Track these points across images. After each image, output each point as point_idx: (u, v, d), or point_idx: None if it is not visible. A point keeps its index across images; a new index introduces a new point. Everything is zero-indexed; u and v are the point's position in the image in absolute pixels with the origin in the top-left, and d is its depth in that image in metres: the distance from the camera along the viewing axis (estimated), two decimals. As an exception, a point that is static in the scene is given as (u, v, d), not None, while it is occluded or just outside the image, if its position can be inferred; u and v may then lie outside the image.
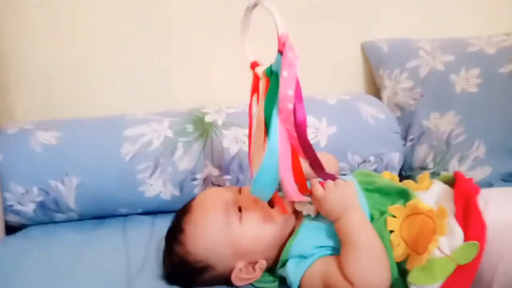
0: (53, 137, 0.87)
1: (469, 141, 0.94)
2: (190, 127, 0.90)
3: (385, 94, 1.05)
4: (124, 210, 0.90)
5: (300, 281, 0.64)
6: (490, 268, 0.58)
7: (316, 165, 0.60)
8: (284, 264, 0.68)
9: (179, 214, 0.72)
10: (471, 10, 1.12)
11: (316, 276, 0.64)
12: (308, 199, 0.67)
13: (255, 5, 0.62)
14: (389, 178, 0.77)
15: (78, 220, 0.89)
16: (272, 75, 0.58)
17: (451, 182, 0.69)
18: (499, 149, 0.93)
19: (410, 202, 0.63)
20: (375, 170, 0.93)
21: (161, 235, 0.74)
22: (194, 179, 0.88)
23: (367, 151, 0.92)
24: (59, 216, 0.88)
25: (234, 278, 0.68)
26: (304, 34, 1.04)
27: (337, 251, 0.64)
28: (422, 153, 0.97)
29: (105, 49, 1.03)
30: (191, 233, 0.68)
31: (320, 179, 0.66)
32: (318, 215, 0.68)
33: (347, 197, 0.65)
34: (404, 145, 0.99)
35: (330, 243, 0.66)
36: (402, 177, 0.87)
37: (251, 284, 0.69)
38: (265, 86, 0.61)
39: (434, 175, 0.93)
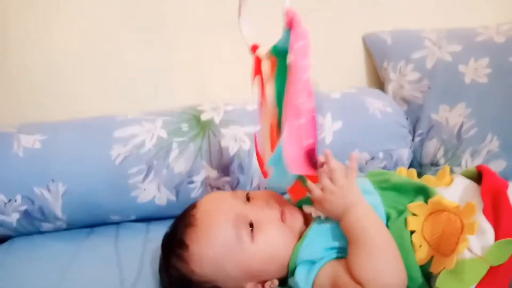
0: (37, 140, 0.81)
1: (481, 134, 0.90)
2: (185, 126, 0.84)
3: (390, 87, 1.00)
4: (115, 218, 0.84)
5: None
6: None
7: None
8: (293, 274, 0.62)
9: (181, 225, 0.65)
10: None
11: (326, 281, 0.58)
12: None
13: None
14: (406, 174, 0.71)
15: (67, 229, 0.83)
16: (279, 54, 0.54)
17: (474, 177, 0.64)
18: (514, 142, 0.89)
19: (433, 199, 0.57)
20: (385, 167, 0.89)
21: (156, 244, 0.69)
22: (191, 182, 0.82)
23: (375, 147, 0.87)
24: (46, 226, 0.82)
25: None
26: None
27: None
28: (432, 148, 0.93)
29: (93, 48, 0.98)
30: (196, 251, 0.62)
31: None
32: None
33: (348, 193, 0.59)
34: (413, 140, 0.94)
35: (341, 244, 0.60)
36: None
37: None
38: (271, 67, 0.57)
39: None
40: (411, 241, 0.57)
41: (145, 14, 0.97)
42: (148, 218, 0.85)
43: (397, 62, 1.00)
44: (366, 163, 0.87)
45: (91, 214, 0.82)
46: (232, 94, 0.96)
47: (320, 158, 0.61)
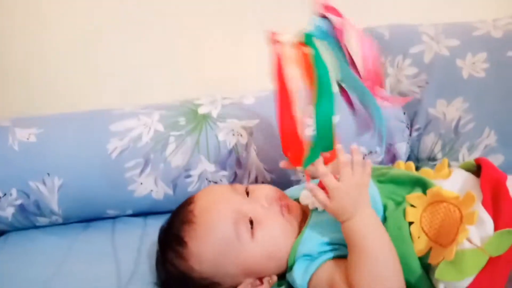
0: (32, 134, 0.81)
1: (479, 128, 0.89)
2: (182, 120, 0.83)
3: (388, 82, 0.99)
4: (112, 212, 0.83)
5: (308, 286, 0.58)
6: None
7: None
8: (291, 269, 0.61)
9: (178, 221, 0.64)
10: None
11: (323, 282, 0.58)
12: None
13: None
14: (404, 167, 0.71)
15: (63, 224, 0.82)
16: (311, 41, 0.55)
17: (473, 169, 0.63)
18: (511, 136, 0.89)
19: (432, 189, 0.57)
20: (382, 162, 0.88)
21: (153, 239, 0.68)
22: (188, 176, 0.82)
23: (373, 142, 0.87)
24: (41, 220, 0.81)
25: None
26: (301, 23, 1.00)
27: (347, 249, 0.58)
28: (430, 143, 0.92)
29: (87, 42, 0.97)
30: (195, 249, 0.61)
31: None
32: None
33: (359, 197, 0.56)
34: (410, 135, 0.94)
35: (339, 237, 0.59)
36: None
37: None
38: (302, 54, 0.57)
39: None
40: (410, 232, 0.57)
41: (140, 7, 0.97)
42: (145, 213, 0.84)
43: (394, 57, 0.99)
44: (363, 158, 0.87)
45: (87, 208, 0.81)
46: (230, 87, 0.96)
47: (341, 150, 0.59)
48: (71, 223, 0.83)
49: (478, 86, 0.91)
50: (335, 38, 0.54)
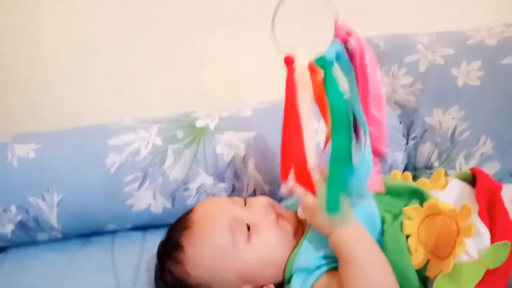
0: (31, 150, 0.81)
1: (475, 136, 0.90)
2: (180, 133, 0.84)
3: (384, 91, 1.00)
4: (111, 226, 0.83)
5: None
6: None
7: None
8: (289, 282, 0.61)
9: (177, 228, 0.65)
10: (469, 3, 1.09)
11: None
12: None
13: None
14: (401, 177, 0.71)
15: (62, 239, 0.82)
16: (326, 65, 0.53)
17: (469, 179, 0.64)
18: (507, 144, 0.89)
19: (429, 202, 0.58)
20: (379, 171, 0.88)
21: (153, 253, 0.68)
22: (187, 189, 0.82)
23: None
24: (41, 236, 0.81)
25: None
26: (296, 33, 1.00)
27: None
28: (426, 151, 0.93)
29: (85, 56, 0.98)
30: (191, 252, 0.62)
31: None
32: None
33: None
34: (407, 144, 0.94)
35: None
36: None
37: None
38: (314, 78, 0.56)
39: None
40: (407, 245, 0.57)
41: (137, 21, 0.97)
42: (144, 227, 0.84)
43: (390, 66, 1.00)
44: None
45: (86, 223, 0.81)
46: (228, 96, 0.97)
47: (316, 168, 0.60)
48: (71, 238, 0.83)
49: (474, 94, 0.92)
50: (350, 63, 0.53)
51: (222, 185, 0.83)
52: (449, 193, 0.62)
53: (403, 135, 0.93)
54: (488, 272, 0.52)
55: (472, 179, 0.65)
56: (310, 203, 0.58)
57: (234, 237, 0.61)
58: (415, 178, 0.88)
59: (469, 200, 0.59)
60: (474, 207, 0.57)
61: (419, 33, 1.03)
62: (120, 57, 0.99)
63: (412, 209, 0.59)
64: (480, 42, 0.96)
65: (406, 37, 1.03)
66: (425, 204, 0.58)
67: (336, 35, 0.52)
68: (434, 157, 0.92)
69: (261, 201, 0.68)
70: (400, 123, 0.94)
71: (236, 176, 0.83)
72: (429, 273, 0.55)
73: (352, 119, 0.53)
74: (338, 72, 0.53)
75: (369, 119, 0.52)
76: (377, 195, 0.64)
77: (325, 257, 0.60)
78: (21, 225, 0.79)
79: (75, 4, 0.95)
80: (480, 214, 0.56)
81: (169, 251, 0.64)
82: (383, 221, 0.60)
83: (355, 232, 0.57)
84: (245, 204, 0.67)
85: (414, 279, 0.56)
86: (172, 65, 1.01)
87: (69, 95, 1.00)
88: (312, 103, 0.61)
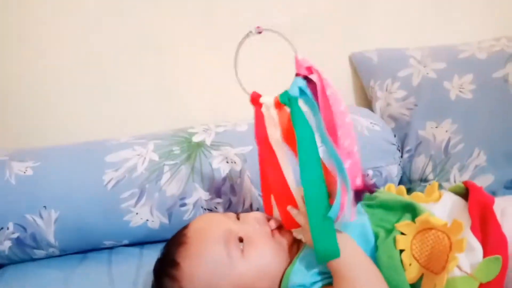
0: (29, 167, 0.81)
1: (468, 149, 0.91)
2: (176, 149, 0.85)
3: (378, 105, 1.02)
4: (108, 243, 0.83)
5: None
6: None
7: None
8: None
9: (172, 245, 0.66)
10: (458, 17, 1.10)
11: None
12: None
13: (259, 32, 0.57)
14: (395, 191, 0.72)
15: (59, 256, 0.83)
16: (291, 101, 0.54)
17: (462, 192, 0.65)
18: (500, 156, 0.90)
19: (421, 217, 0.58)
20: (374, 184, 0.89)
21: (150, 269, 0.69)
22: (184, 205, 0.82)
23: (364, 165, 0.88)
24: (39, 253, 0.81)
25: None
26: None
27: None
28: (421, 164, 0.94)
29: (84, 73, 0.99)
30: (187, 268, 0.62)
31: None
32: None
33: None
34: (401, 157, 0.95)
35: None
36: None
37: None
38: (281, 114, 0.58)
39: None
40: (401, 260, 0.57)
41: (135, 40, 0.98)
42: (141, 242, 0.84)
43: (383, 81, 1.01)
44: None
45: (84, 240, 0.82)
46: (221, 115, 0.98)
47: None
48: (68, 254, 0.83)
49: (466, 107, 0.94)
50: (314, 98, 0.53)
51: (218, 200, 0.84)
52: (443, 207, 0.63)
53: (398, 148, 0.94)
54: (481, 286, 0.52)
55: (465, 192, 0.65)
56: (301, 222, 0.59)
57: (228, 251, 0.61)
58: (409, 191, 0.89)
59: (462, 214, 0.59)
60: (467, 221, 0.57)
61: (411, 48, 1.05)
62: (117, 75, 1.00)
63: (404, 225, 0.59)
64: (471, 56, 0.98)
65: (398, 52, 1.04)
66: (417, 219, 0.59)
67: (297, 71, 0.53)
68: (429, 169, 0.93)
69: (255, 215, 0.69)
70: (394, 136, 0.95)
71: (233, 190, 0.84)
72: (424, 287, 0.55)
73: (319, 153, 0.54)
74: (304, 107, 0.54)
75: (340, 151, 0.53)
76: (369, 207, 0.65)
77: (320, 273, 0.60)
78: (19, 242, 0.79)
79: (75, 22, 0.95)
80: (472, 229, 0.57)
81: (165, 268, 0.64)
82: (376, 237, 0.61)
83: (350, 249, 0.58)
84: (239, 219, 0.68)
85: (408, 293, 0.57)
86: (167, 82, 1.02)
87: (67, 112, 1.00)
88: (281, 139, 0.62)
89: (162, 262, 0.66)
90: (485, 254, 0.54)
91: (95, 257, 0.82)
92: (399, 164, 0.93)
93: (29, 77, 0.97)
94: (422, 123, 0.95)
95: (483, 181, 0.90)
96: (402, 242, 0.58)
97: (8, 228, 0.78)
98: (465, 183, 0.66)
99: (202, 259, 0.62)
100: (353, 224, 0.57)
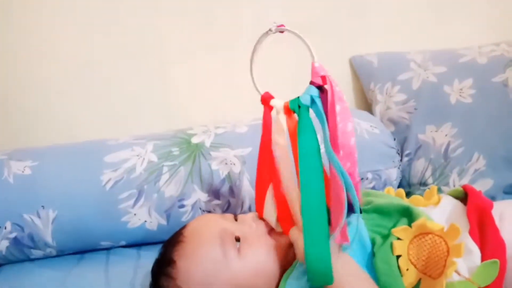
0: (27, 167, 0.81)
1: (468, 153, 0.91)
2: (175, 150, 0.84)
3: (378, 109, 1.02)
4: (106, 243, 0.83)
5: None
6: None
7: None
8: None
9: (168, 245, 0.66)
10: (459, 22, 1.10)
11: None
12: None
13: (281, 31, 0.55)
14: (394, 194, 0.72)
15: (56, 256, 0.82)
16: (301, 109, 0.52)
17: (461, 196, 0.64)
18: (500, 160, 0.90)
19: (417, 222, 0.58)
20: (373, 188, 0.89)
21: (147, 270, 0.68)
22: (182, 206, 0.82)
23: (364, 168, 0.88)
24: (36, 253, 0.81)
25: None
26: (291, 51, 1.02)
27: None
28: (420, 168, 0.94)
29: (83, 73, 0.99)
30: (183, 266, 0.61)
31: None
32: None
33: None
34: (401, 160, 0.95)
35: None
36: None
37: None
38: (292, 122, 0.56)
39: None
40: (398, 266, 0.57)
41: (133, 41, 0.98)
42: (139, 243, 0.84)
43: (383, 84, 1.01)
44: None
45: (81, 240, 0.81)
46: (221, 116, 0.97)
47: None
48: (65, 255, 0.83)
49: (466, 112, 0.94)
50: (323, 110, 0.51)
51: (217, 201, 0.83)
52: (442, 211, 0.63)
53: (397, 152, 0.94)
54: (479, 290, 0.52)
55: (464, 196, 0.65)
56: (294, 237, 0.60)
57: (224, 249, 0.61)
58: (409, 194, 0.89)
59: (461, 218, 0.59)
60: (465, 226, 0.57)
61: (412, 51, 1.05)
62: (116, 75, 1.00)
63: (400, 230, 0.59)
64: (472, 61, 0.98)
65: (399, 55, 1.04)
66: (413, 224, 0.58)
67: (312, 79, 0.51)
68: (428, 173, 0.93)
69: (252, 215, 0.69)
70: (394, 139, 0.95)
71: (232, 192, 0.84)
72: (421, 293, 0.55)
73: (322, 167, 0.51)
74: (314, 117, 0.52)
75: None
76: (366, 214, 0.65)
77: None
78: (16, 242, 0.79)
79: (74, 22, 0.96)
80: (471, 233, 0.56)
81: (162, 267, 0.64)
82: (373, 243, 0.61)
83: (345, 262, 0.57)
84: (236, 220, 0.68)
85: (406, 299, 0.56)
86: (167, 83, 1.02)
87: (66, 111, 1.00)
88: (286, 145, 0.59)
89: (159, 261, 0.66)
90: (483, 258, 0.54)
91: (92, 257, 0.82)
92: (399, 168, 0.93)
93: (28, 77, 0.97)
94: (421, 127, 0.95)
95: (482, 185, 0.90)
96: (399, 247, 0.58)
97: (5, 228, 0.78)
98: (464, 187, 0.66)
99: (198, 257, 0.61)
100: (350, 231, 0.56)
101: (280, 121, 0.57)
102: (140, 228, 0.82)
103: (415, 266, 0.56)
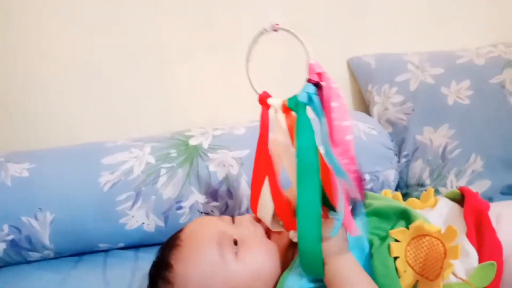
0: (25, 169, 0.81)
1: (465, 154, 0.91)
2: (173, 152, 0.84)
3: (375, 110, 1.02)
4: (104, 245, 0.83)
5: None
6: None
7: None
8: None
9: (166, 248, 0.66)
10: (456, 23, 1.10)
11: None
12: None
13: (275, 30, 0.55)
14: (391, 197, 0.72)
15: (55, 258, 0.82)
16: (298, 107, 0.52)
17: (458, 198, 0.65)
18: (497, 161, 0.91)
19: (414, 224, 0.58)
20: (371, 189, 0.89)
21: (145, 272, 0.68)
22: (180, 208, 0.82)
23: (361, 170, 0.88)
24: (33, 255, 0.81)
25: None
26: (289, 52, 1.02)
27: None
28: (418, 169, 0.94)
29: (82, 75, 0.98)
30: (180, 270, 0.61)
31: None
32: None
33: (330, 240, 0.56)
34: (398, 161, 0.95)
35: None
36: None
37: None
38: (290, 120, 0.55)
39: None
40: (396, 267, 0.57)
41: (133, 41, 0.98)
42: (136, 245, 0.84)
43: (381, 85, 1.01)
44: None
45: (79, 243, 0.81)
46: (219, 117, 0.97)
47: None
48: (63, 257, 0.82)
49: (463, 113, 0.94)
50: (322, 107, 0.51)
51: (215, 203, 0.83)
52: (438, 213, 0.63)
53: (395, 153, 0.94)
54: (476, 291, 0.52)
55: (461, 198, 0.65)
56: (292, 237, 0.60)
57: (222, 252, 0.61)
58: (406, 196, 0.89)
59: (458, 220, 0.59)
60: (462, 227, 0.57)
61: (409, 53, 1.05)
62: (116, 75, 0.99)
63: (398, 232, 0.59)
64: (469, 62, 0.99)
65: (396, 57, 1.05)
66: (411, 226, 0.59)
67: (309, 77, 0.51)
68: (426, 174, 0.93)
69: (249, 216, 0.69)
70: (392, 141, 0.95)
71: (230, 194, 0.84)
72: (419, 294, 0.55)
73: (319, 164, 0.51)
74: (312, 115, 0.52)
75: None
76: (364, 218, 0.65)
77: (315, 281, 0.59)
78: (14, 244, 0.79)
79: (74, 22, 0.95)
80: (468, 235, 0.57)
81: (159, 270, 0.64)
82: (371, 244, 0.61)
83: (344, 260, 0.57)
84: (234, 222, 0.67)
85: (404, 301, 0.56)
86: (166, 83, 1.02)
87: (64, 113, 1.00)
88: (287, 142, 0.59)
89: (156, 264, 0.66)
90: (480, 260, 0.54)
91: (90, 260, 0.81)
92: (396, 169, 0.93)
93: (28, 77, 0.97)
94: (419, 128, 0.95)
95: (480, 187, 0.90)
96: (396, 249, 0.58)
97: (3, 230, 0.78)
98: (460, 189, 0.66)
99: (195, 261, 0.61)
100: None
101: (278, 119, 0.57)
102: (138, 230, 0.82)
103: (412, 268, 0.56)
